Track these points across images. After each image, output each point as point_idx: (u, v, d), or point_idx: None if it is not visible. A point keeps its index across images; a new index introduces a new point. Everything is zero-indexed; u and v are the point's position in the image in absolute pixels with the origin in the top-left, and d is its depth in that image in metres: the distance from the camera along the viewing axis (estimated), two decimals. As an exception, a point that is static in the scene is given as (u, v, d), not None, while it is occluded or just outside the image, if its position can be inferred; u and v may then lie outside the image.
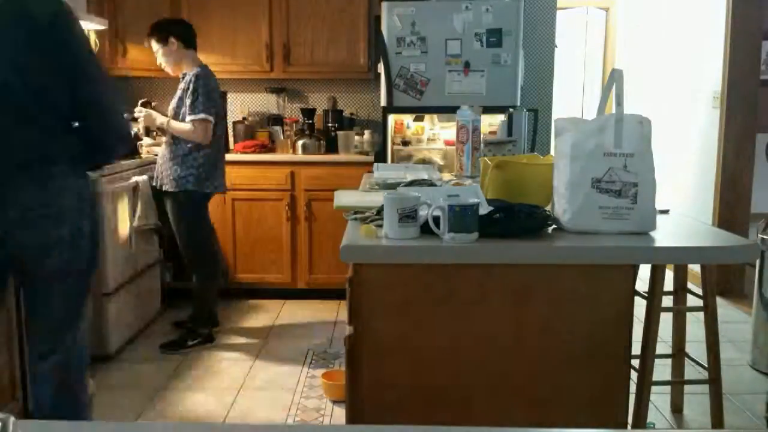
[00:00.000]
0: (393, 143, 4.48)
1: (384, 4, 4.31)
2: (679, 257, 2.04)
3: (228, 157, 4.59)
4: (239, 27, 4.67)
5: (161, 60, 3.74)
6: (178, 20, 3.98)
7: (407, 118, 4.56)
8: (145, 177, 3.87)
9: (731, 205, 4.67)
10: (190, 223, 3.78)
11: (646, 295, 2.24)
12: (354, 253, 1.77)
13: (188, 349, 3.71)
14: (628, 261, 1.80)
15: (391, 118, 4.45)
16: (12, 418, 0.78)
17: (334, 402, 3.09)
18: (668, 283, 2.53)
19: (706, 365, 2.40)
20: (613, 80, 1.89)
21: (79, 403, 2.31)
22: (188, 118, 3.59)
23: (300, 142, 4.70)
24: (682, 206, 4.89)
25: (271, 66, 4.71)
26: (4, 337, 2.70)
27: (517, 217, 1.82)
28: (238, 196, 4.53)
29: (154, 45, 3.72)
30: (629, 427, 2.19)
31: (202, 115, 3.58)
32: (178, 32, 3.71)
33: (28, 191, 2.07)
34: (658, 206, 1.95)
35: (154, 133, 4.19)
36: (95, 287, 3.47)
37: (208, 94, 3.62)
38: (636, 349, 2.09)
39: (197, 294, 3.85)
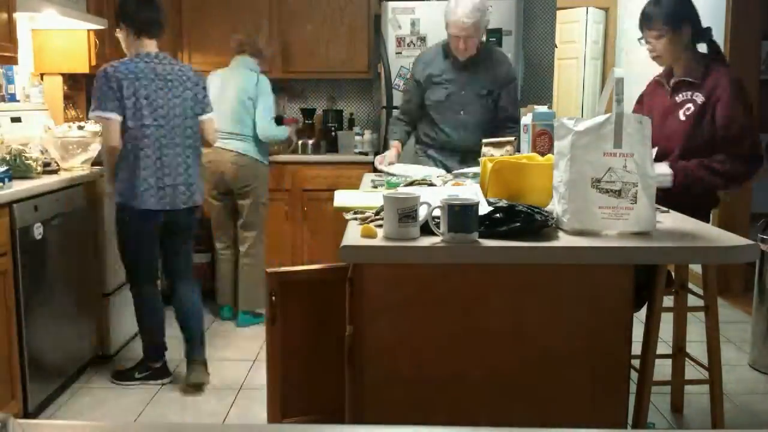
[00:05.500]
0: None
1: (384, 4, 4.31)
2: (679, 257, 2.03)
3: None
4: (239, 27, 4.67)
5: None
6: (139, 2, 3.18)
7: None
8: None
9: (731, 205, 4.67)
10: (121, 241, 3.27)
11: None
12: (354, 253, 1.77)
13: (136, 382, 3.31)
14: (628, 261, 1.80)
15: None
16: (12, 418, 0.78)
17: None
18: (668, 283, 2.52)
19: (706, 365, 2.40)
20: (613, 80, 1.89)
21: None
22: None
23: (300, 142, 4.70)
24: (682, 206, 4.88)
25: (270, 66, 4.71)
26: (4, 336, 2.70)
27: (517, 217, 1.82)
28: (238, 196, 4.53)
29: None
30: (629, 427, 2.19)
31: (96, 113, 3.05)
32: (130, 18, 3.13)
33: None
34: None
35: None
36: (95, 287, 3.48)
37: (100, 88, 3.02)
38: (636, 349, 2.08)
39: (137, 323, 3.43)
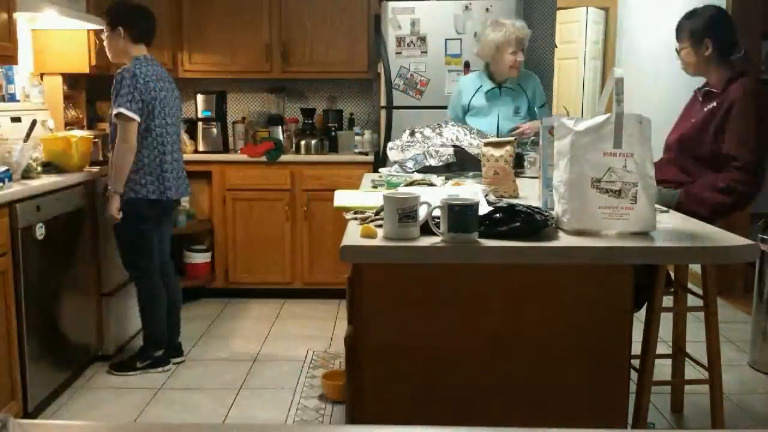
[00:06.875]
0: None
1: (384, 4, 4.31)
2: (679, 257, 2.04)
3: (228, 157, 4.60)
4: (239, 27, 4.67)
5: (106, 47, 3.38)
6: (136, 7, 3.39)
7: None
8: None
9: (731, 205, 4.66)
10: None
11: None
12: (354, 253, 1.77)
13: (138, 371, 3.39)
14: (628, 261, 1.80)
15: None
16: (12, 418, 0.78)
17: (334, 402, 3.09)
18: (668, 283, 2.52)
19: (706, 365, 2.40)
20: (613, 80, 1.89)
21: None
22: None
23: (300, 142, 4.70)
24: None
25: (270, 66, 4.71)
26: (4, 336, 2.70)
27: (517, 217, 1.82)
28: (238, 196, 4.53)
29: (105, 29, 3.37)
30: (629, 427, 2.19)
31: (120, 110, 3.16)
32: (130, 23, 3.28)
33: None
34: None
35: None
36: (94, 287, 3.48)
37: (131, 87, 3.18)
38: (636, 349, 2.09)
39: (140, 312, 3.48)
